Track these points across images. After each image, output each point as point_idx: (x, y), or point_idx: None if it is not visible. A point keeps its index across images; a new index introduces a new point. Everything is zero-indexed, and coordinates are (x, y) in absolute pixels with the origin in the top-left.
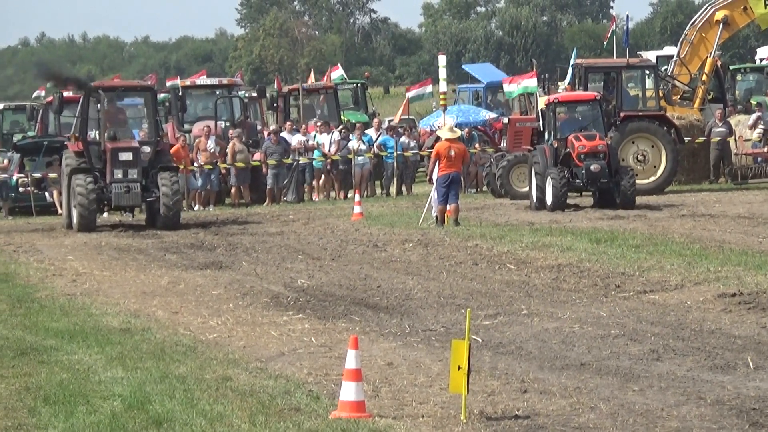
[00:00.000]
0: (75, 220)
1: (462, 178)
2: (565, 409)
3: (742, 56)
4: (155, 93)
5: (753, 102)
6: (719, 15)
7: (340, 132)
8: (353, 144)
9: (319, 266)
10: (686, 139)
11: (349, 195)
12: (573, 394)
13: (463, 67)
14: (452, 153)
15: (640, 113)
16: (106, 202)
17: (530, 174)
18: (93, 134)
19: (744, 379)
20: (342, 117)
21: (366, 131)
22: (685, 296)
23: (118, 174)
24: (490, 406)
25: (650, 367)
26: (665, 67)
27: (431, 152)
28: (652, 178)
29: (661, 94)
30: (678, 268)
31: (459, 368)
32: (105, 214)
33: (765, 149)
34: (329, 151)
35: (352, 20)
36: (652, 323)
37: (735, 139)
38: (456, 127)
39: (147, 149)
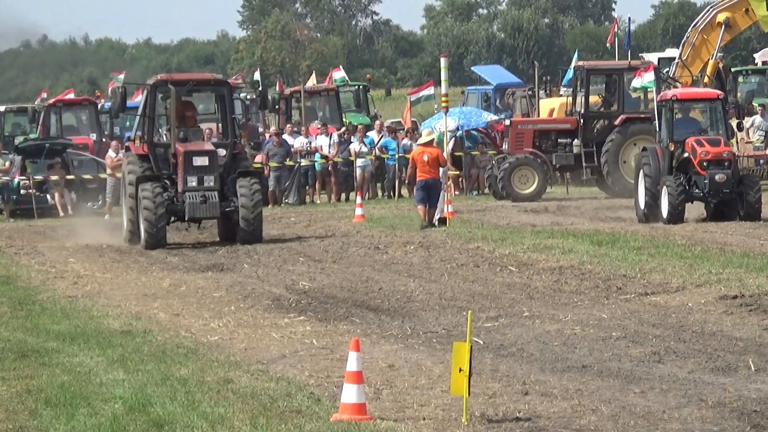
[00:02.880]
0: (142, 233)
1: (442, 183)
2: (567, 411)
3: (743, 58)
4: (230, 87)
5: (755, 104)
6: (721, 17)
7: (340, 135)
8: (354, 146)
9: (321, 268)
10: None
11: (350, 197)
12: (574, 396)
13: (472, 68)
14: (425, 158)
15: (642, 115)
16: (176, 214)
17: (638, 177)
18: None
19: (745, 381)
20: (343, 119)
21: (367, 133)
22: (686, 298)
23: (192, 181)
24: (492, 409)
25: (651, 369)
26: (667, 69)
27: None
28: None
29: None
30: (679, 270)
31: (460, 370)
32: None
33: (767, 151)
34: (328, 153)
35: (353, 22)
36: (654, 325)
37: (737, 141)
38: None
39: (222, 152)
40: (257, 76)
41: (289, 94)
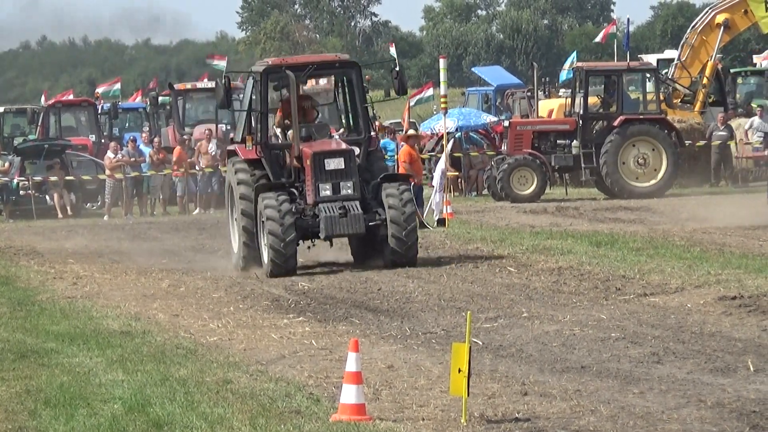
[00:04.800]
0: (266, 259)
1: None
2: (566, 412)
3: (742, 59)
4: (360, 70)
5: (754, 105)
6: (720, 18)
7: (340, 135)
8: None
9: (321, 269)
10: (687, 142)
11: None
12: (573, 396)
13: (473, 69)
14: (416, 156)
15: (641, 116)
16: (308, 230)
17: None
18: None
19: (744, 382)
20: (342, 120)
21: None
22: (685, 299)
23: (326, 190)
24: (491, 409)
25: (650, 369)
26: (666, 70)
27: (432, 155)
28: (653, 182)
29: (661, 97)
30: (678, 271)
31: (459, 371)
32: None
33: (766, 152)
34: None
35: (353, 23)
36: (653, 326)
37: (736, 143)
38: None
39: (357, 151)
40: (393, 51)
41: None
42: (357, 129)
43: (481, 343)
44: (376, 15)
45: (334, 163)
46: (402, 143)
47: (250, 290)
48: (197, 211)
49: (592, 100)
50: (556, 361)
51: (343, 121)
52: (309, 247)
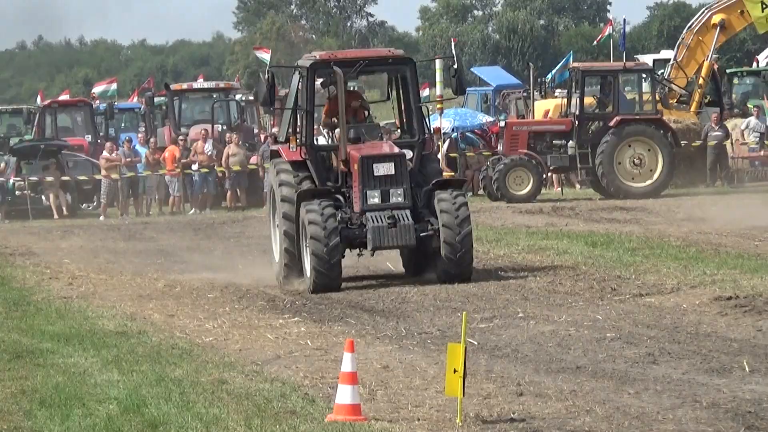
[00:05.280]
0: (308, 272)
1: None
2: (561, 412)
3: (739, 60)
4: (415, 66)
5: (750, 105)
6: (716, 18)
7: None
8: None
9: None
10: (683, 142)
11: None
12: (569, 397)
13: (471, 69)
14: None
15: (637, 117)
16: (355, 241)
17: None
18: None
19: (740, 383)
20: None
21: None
22: (681, 299)
23: (374, 197)
24: (486, 409)
25: (646, 370)
26: (662, 70)
27: None
28: (649, 182)
29: (657, 97)
30: (674, 272)
31: (455, 371)
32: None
33: (762, 153)
34: None
35: (349, 24)
36: (648, 326)
37: (731, 143)
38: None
39: (409, 155)
40: (453, 48)
41: (284, 96)
42: (411, 130)
43: (476, 344)
44: (372, 15)
45: (384, 168)
46: None
47: (246, 290)
48: (192, 211)
49: (588, 100)
50: (551, 362)
51: (396, 122)
52: (359, 255)
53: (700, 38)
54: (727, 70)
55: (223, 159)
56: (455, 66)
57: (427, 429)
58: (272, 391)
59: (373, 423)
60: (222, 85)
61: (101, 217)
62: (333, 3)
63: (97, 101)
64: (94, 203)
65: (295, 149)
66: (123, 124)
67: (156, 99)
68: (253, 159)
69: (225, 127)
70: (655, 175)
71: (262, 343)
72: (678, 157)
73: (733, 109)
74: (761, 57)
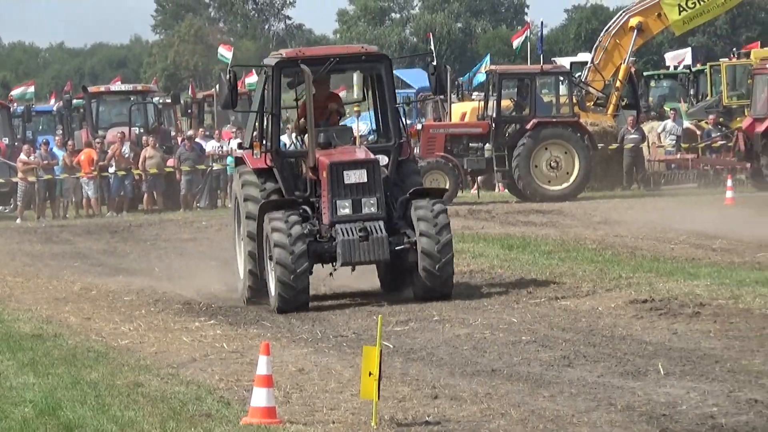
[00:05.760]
0: (273, 288)
1: None
2: (476, 415)
3: (656, 63)
4: (390, 64)
5: (667, 108)
6: (633, 21)
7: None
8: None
9: (232, 272)
10: (599, 145)
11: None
12: (484, 400)
13: (395, 72)
14: None
15: (554, 120)
16: (324, 256)
17: None
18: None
19: (654, 385)
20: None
21: (280, 137)
22: (596, 302)
23: (345, 208)
24: (401, 412)
25: (561, 373)
26: (579, 73)
27: None
28: (565, 185)
29: (574, 100)
30: (590, 275)
31: (370, 374)
32: None
33: (678, 156)
34: None
35: (267, 26)
36: (564, 329)
37: (648, 146)
38: (369, 133)
39: (384, 161)
40: (432, 44)
41: (201, 98)
42: (386, 134)
43: (392, 347)
44: (290, 18)
45: (355, 176)
46: None
47: (162, 293)
48: (109, 214)
49: (505, 103)
50: (466, 365)
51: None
52: (331, 273)
53: (618, 41)
54: (644, 73)
55: (140, 162)
56: (434, 63)
57: None
58: (188, 394)
59: (288, 426)
60: (140, 87)
61: (18, 220)
62: (251, 6)
63: (15, 104)
64: (11, 206)
65: (260, 156)
66: (40, 127)
67: (73, 101)
68: (170, 162)
69: (142, 130)
70: (572, 178)
71: (178, 346)
72: (594, 160)
73: (649, 112)
74: (669, 56)
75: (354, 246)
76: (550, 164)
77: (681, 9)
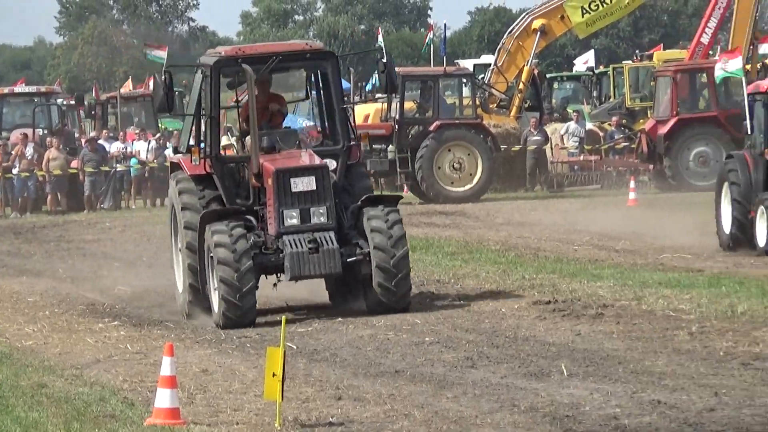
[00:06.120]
0: (216, 305)
1: None
2: (380, 416)
3: (559, 65)
4: (337, 61)
5: (569, 110)
6: (537, 24)
7: (157, 140)
8: (170, 152)
9: (136, 274)
10: (503, 147)
11: (165, 203)
12: (387, 401)
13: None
14: None
15: (457, 121)
16: (270, 268)
17: (720, 193)
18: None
19: (558, 386)
20: (159, 125)
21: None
22: (499, 304)
23: (292, 218)
24: (305, 413)
25: (464, 374)
26: (482, 75)
27: None
28: (468, 186)
29: (477, 102)
30: (493, 276)
31: (273, 375)
32: None
33: (581, 157)
34: (146, 158)
35: (170, 29)
36: (467, 330)
37: (551, 148)
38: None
39: (333, 165)
40: (380, 40)
41: (105, 100)
42: (334, 136)
43: (295, 348)
44: (193, 20)
45: (303, 183)
46: None
47: (66, 294)
48: (13, 215)
49: (409, 105)
50: (370, 366)
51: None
52: (275, 285)
53: (521, 43)
54: (547, 75)
55: (44, 163)
56: (384, 60)
57: None
58: (92, 395)
59: (192, 426)
60: (43, 89)
61: None
62: (154, 8)
63: None
64: None
65: (198, 162)
66: None
67: None
68: (74, 163)
69: (46, 131)
70: (475, 180)
71: (82, 347)
72: (498, 161)
73: (552, 114)
74: (578, 61)
75: (303, 259)
76: (453, 166)
77: (584, 11)
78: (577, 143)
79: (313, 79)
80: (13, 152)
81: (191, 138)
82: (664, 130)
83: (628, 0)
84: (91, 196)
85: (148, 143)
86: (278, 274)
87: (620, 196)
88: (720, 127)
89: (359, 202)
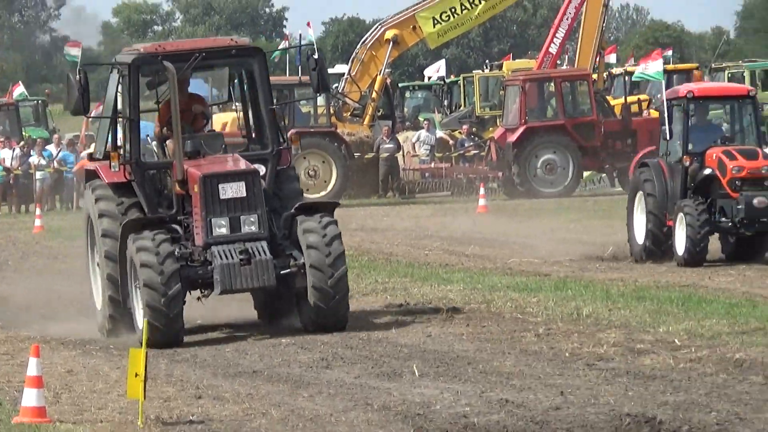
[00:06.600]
0: (140, 322)
1: None
2: (238, 415)
3: (411, 74)
4: (264, 58)
5: (421, 119)
6: (389, 34)
7: (21, 148)
8: (34, 159)
9: (2, 277)
10: (356, 154)
11: (30, 209)
12: (245, 400)
13: None
14: None
15: (312, 129)
16: (196, 282)
17: (633, 202)
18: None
19: (409, 386)
20: (23, 133)
21: (46, 147)
22: (353, 306)
23: (221, 227)
24: (166, 412)
25: (320, 374)
26: (337, 84)
27: None
28: (323, 193)
29: (332, 111)
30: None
31: (136, 375)
32: None
33: (432, 165)
34: (11, 166)
35: (33, 39)
36: (322, 332)
37: (403, 155)
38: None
39: (262, 170)
40: (310, 33)
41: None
42: (261, 140)
43: (156, 349)
44: (55, 30)
45: (233, 190)
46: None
47: None
48: None
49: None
50: (229, 366)
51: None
52: (199, 298)
53: (374, 53)
54: (399, 84)
55: None
56: (316, 56)
57: (109, 430)
58: None
59: (58, 425)
60: None
61: None
62: (17, 18)
63: None
64: None
65: (117, 168)
66: None
67: None
68: None
69: None
70: (329, 186)
71: None
72: (351, 168)
73: (404, 122)
74: (429, 71)
75: (234, 271)
76: (308, 173)
77: (435, 22)
78: (429, 151)
79: (237, 78)
80: None
81: (108, 144)
82: (512, 138)
83: (478, 11)
84: None
85: (13, 150)
86: (202, 291)
87: (470, 202)
88: (567, 135)
89: (293, 210)
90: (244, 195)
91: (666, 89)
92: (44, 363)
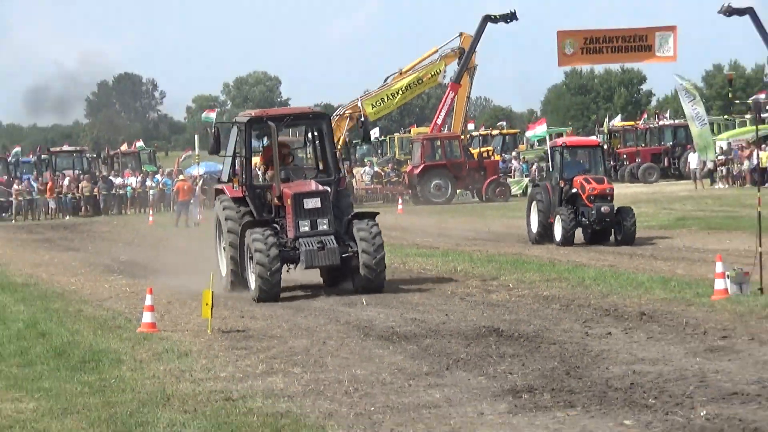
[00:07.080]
0: (253, 286)
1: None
2: (264, 327)
3: (358, 134)
4: (330, 120)
5: (366, 160)
6: (346, 112)
7: (140, 177)
8: (148, 183)
9: (130, 250)
10: None
11: (145, 211)
12: (268, 318)
13: None
14: (184, 187)
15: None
16: (291, 261)
17: (530, 208)
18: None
19: (360, 311)
20: (142, 168)
21: (155, 176)
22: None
23: (305, 226)
24: (224, 325)
25: (311, 303)
26: None
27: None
28: None
29: None
30: None
31: (207, 304)
32: None
33: (372, 186)
34: (135, 186)
35: (147, 115)
36: (366, 293)
37: (355, 181)
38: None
39: (328, 190)
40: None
41: (113, 154)
42: (328, 171)
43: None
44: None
45: (312, 203)
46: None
47: (93, 261)
48: (66, 218)
49: None
50: (275, 304)
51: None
52: (288, 270)
53: (338, 124)
54: (354, 141)
55: (79, 189)
56: (362, 119)
57: (191, 335)
58: (107, 316)
59: (162, 332)
60: (78, 148)
61: (13, 221)
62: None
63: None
64: (8, 213)
65: (237, 188)
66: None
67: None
68: (95, 189)
69: (79, 172)
70: None
71: (102, 289)
72: None
73: (356, 163)
74: (372, 133)
75: (314, 254)
76: None
77: (373, 105)
78: (370, 178)
79: (310, 133)
80: (64, 183)
81: (231, 172)
82: (416, 171)
83: (396, 100)
84: (105, 207)
85: (136, 178)
86: (294, 265)
87: (393, 207)
88: (447, 169)
89: (349, 216)
90: (320, 206)
91: (496, 146)
92: (154, 297)
